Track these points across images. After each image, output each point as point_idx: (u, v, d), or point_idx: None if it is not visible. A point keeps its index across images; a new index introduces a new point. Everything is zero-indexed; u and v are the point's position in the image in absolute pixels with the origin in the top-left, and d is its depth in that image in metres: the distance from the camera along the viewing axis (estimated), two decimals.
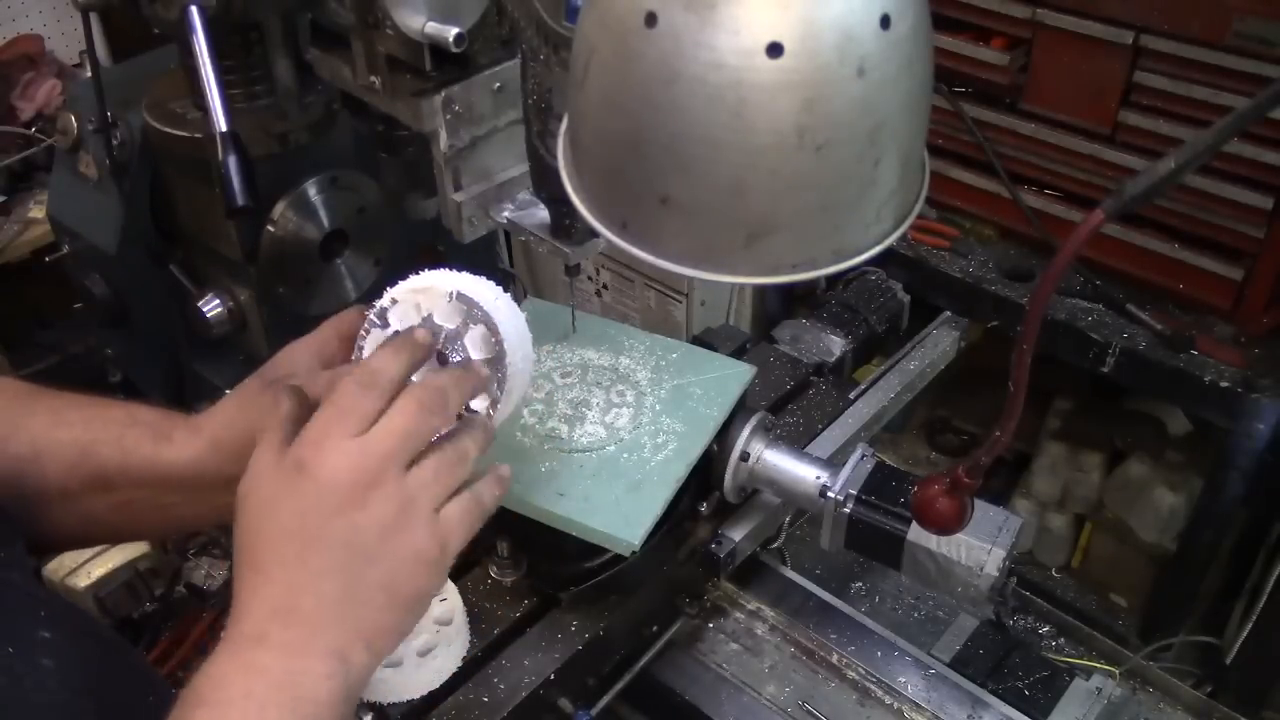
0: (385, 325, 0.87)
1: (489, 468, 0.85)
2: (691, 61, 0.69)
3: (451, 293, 0.86)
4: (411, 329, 0.84)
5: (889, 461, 1.21)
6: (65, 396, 0.95)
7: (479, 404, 0.86)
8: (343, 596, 0.73)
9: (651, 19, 0.70)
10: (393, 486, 0.75)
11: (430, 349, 0.83)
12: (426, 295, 0.87)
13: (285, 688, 0.70)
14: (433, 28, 1.09)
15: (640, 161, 0.75)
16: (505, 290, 0.91)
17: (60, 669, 0.70)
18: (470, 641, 1.12)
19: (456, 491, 0.80)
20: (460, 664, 1.10)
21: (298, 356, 0.92)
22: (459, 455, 0.80)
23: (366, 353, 0.87)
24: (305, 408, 0.79)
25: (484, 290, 0.89)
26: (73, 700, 0.70)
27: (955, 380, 1.95)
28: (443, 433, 0.82)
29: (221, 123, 1.18)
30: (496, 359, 0.86)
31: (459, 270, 0.90)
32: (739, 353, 1.46)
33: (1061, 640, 1.58)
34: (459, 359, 0.86)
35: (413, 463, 0.77)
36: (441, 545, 0.78)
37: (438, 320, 0.86)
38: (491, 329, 0.86)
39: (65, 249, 1.64)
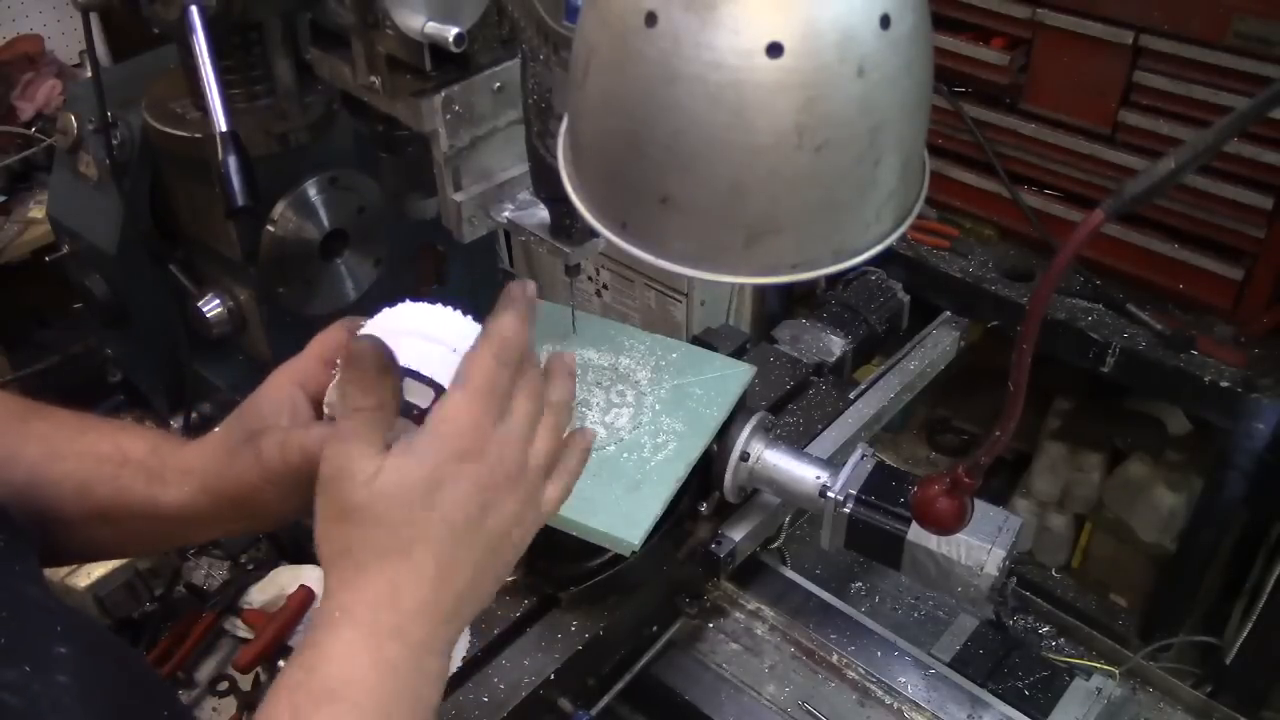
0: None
1: (574, 435, 0.83)
2: (691, 61, 0.69)
3: (418, 373, 0.80)
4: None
5: (889, 461, 1.21)
6: (55, 418, 0.92)
7: None
8: (469, 591, 0.74)
9: (651, 19, 0.70)
10: (529, 483, 0.77)
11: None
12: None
13: (410, 689, 0.71)
14: (433, 28, 1.09)
15: (640, 161, 0.75)
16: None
17: (77, 685, 0.69)
18: (470, 641, 1.12)
19: None
20: (460, 664, 1.10)
21: (277, 392, 0.87)
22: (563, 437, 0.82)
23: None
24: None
25: (443, 349, 0.82)
26: (90, 717, 0.70)
27: (955, 380, 1.96)
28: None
29: (221, 123, 1.18)
30: None
31: (427, 305, 0.85)
32: (739, 353, 1.46)
33: (1061, 640, 1.58)
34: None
35: None
36: (540, 525, 0.80)
37: (408, 399, 0.80)
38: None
39: (65, 249, 1.64)
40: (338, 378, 0.83)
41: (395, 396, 0.76)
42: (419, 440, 0.73)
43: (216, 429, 0.89)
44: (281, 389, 0.87)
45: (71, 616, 0.77)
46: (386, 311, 0.86)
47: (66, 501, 0.88)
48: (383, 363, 0.75)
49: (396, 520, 0.72)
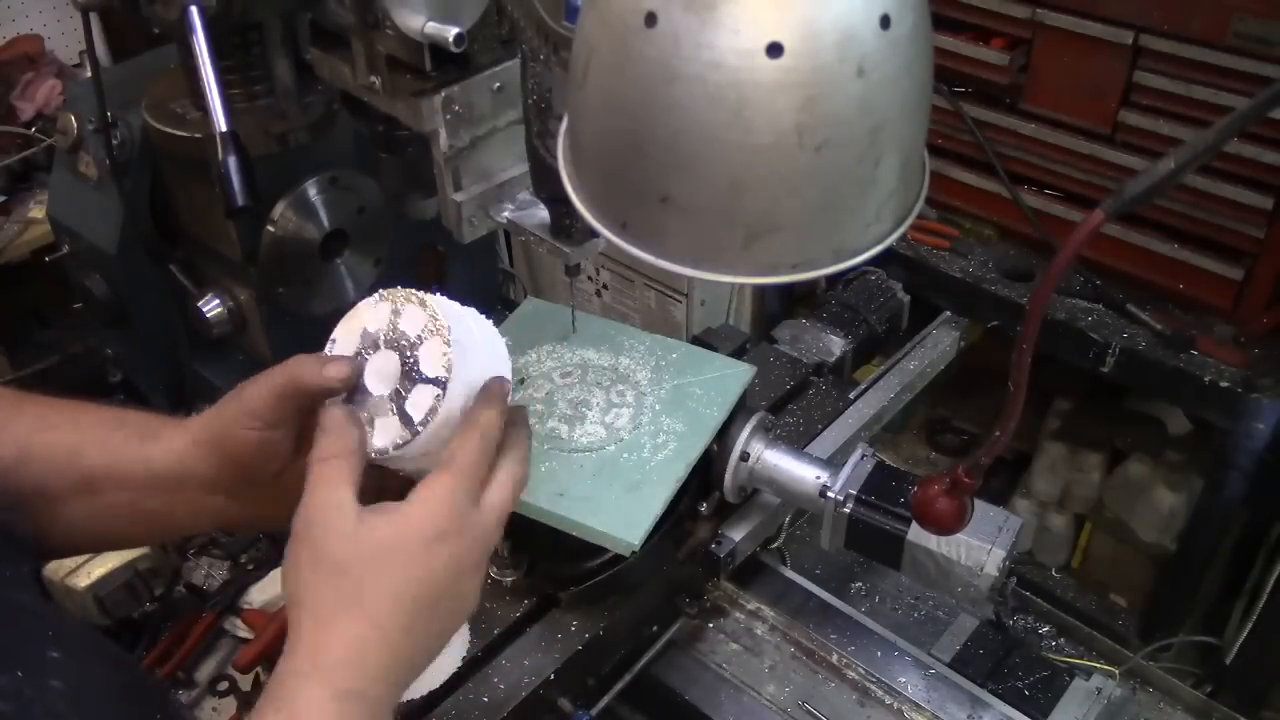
0: (356, 320, 0.88)
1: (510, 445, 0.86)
2: (691, 61, 0.69)
3: (424, 298, 0.85)
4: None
5: (889, 461, 1.21)
6: (50, 401, 0.94)
7: (417, 413, 0.84)
8: (425, 655, 0.81)
9: (651, 19, 0.70)
10: (489, 537, 0.82)
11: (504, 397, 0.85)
12: (404, 299, 0.86)
13: None
14: (433, 28, 1.09)
15: (640, 161, 0.75)
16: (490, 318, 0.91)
17: (70, 690, 0.70)
18: (470, 641, 1.12)
19: None
20: (460, 664, 1.10)
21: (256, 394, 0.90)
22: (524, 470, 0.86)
23: (340, 342, 0.87)
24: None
25: (457, 312, 0.88)
26: None
27: (955, 380, 1.96)
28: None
29: (221, 123, 1.18)
30: (442, 380, 0.84)
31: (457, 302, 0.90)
32: (739, 353, 1.46)
33: (1061, 640, 1.58)
34: (413, 364, 0.85)
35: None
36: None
37: (402, 326, 0.86)
38: (446, 343, 0.84)
39: (65, 249, 1.64)
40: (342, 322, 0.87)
41: (363, 445, 0.81)
42: (406, 508, 0.78)
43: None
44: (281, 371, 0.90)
45: (64, 621, 0.77)
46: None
47: (54, 473, 0.88)
48: (353, 415, 0.81)
49: (366, 579, 0.75)
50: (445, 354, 0.83)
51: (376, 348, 0.86)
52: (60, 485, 0.89)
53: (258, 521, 0.95)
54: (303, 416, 0.88)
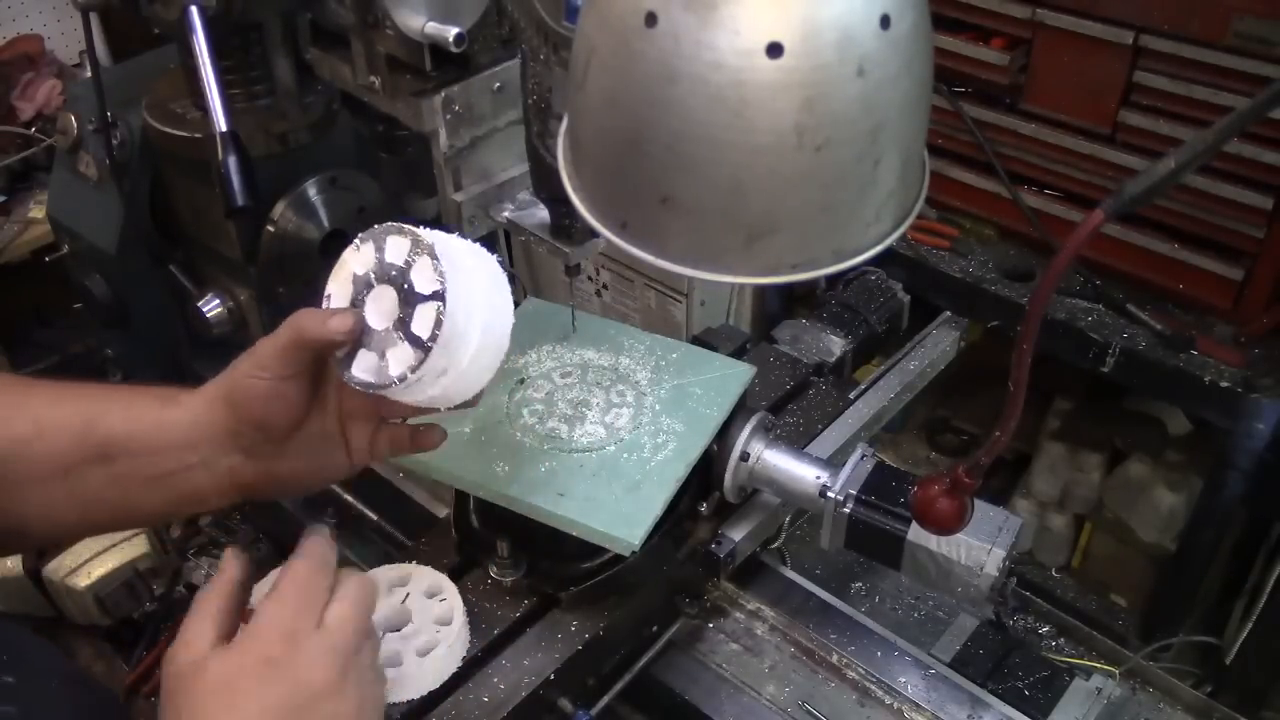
0: (357, 265, 0.89)
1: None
2: (692, 61, 0.69)
3: (402, 227, 0.87)
4: None
5: (889, 461, 1.21)
6: (59, 382, 0.97)
7: (424, 330, 0.85)
8: None
9: (651, 19, 0.70)
10: (358, 669, 0.80)
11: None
12: (383, 233, 0.88)
13: None
14: (433, 28, 1.09)
15: (640, 161, 0.76)
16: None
17: (20, 714, 0.70)
18: (470, 641, 1.12)
19: None
20: (460, 664, 1.10)
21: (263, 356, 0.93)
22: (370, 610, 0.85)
23: (335, 295, 0.89)
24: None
25: (439, 233, 0.90)
26: None
27: (955, 380, 1.96)
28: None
29: (221, 123, 1.18)
30: (440, 293, 0.85)
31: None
32: (739, 353, 1.46)
33: (1061, 640, 1.58)
34: (408, 289, 0.86)
35: None
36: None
37: (388, 259, 0.87)
38: (434, 257, 0.85)
39: (65, 249, 1.65)
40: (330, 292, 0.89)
41: (245, 575, 0.83)
42: (238, 639, 0.78)
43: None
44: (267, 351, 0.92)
45: (17, 644, 0.77)
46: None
47: (69, 444, 0.90)
48: (241, 577, 0.83)
49: (204, 716, 0.75)
50: (435, 267, 0.84)
51: (370, 287, 0.88)
52: (75, 456, 0.90)
53: (272, 483, 0.95)
54: (314, 369, 0.91)
